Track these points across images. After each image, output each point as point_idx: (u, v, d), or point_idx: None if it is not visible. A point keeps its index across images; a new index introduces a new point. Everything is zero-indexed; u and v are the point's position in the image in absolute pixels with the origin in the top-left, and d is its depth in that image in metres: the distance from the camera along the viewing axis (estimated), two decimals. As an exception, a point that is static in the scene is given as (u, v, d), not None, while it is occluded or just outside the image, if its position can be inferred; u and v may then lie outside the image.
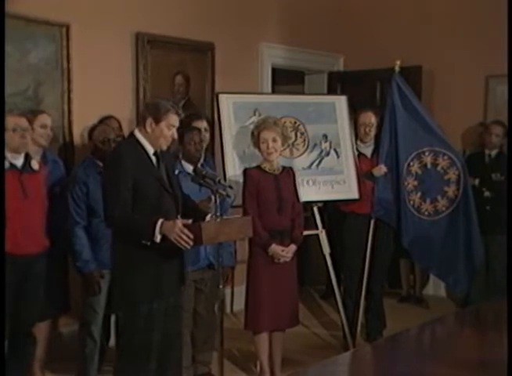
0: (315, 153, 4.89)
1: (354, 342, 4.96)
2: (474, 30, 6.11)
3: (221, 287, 3.76)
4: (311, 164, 4.86)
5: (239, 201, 4.15)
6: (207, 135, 4.61)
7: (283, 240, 4.14)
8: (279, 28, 6.18)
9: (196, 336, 4.31)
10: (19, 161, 3.58)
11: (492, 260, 5.44)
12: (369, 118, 4.95)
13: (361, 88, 6.28)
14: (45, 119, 4.09)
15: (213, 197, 3.54)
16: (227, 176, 4.49)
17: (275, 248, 4.09)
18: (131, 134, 3.46)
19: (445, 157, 5.04)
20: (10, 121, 3.53)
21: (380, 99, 6.30)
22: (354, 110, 5.12)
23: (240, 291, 4.87)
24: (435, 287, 6.41)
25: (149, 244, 3.27)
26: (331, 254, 4.91)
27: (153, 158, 3.43)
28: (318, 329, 5.46)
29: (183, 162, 4.18)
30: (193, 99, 5.50)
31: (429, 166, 5.04)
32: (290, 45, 6.26)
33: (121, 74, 5.00)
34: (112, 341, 4.11)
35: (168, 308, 3.46)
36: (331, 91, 6.64)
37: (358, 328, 5.04)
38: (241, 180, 4.20)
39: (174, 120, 3.40)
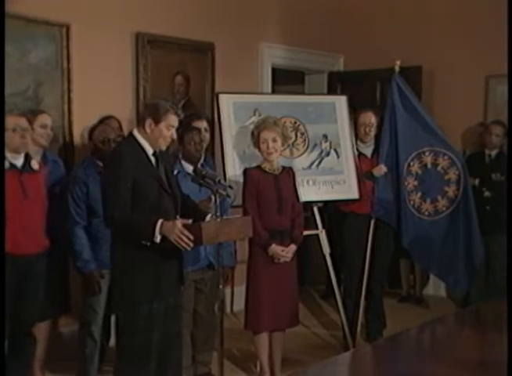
0: (315, 153, 4.89)
1: (354, 342, 4.96)
2: (474, 30, 6.11)
3: (221, 287, 3.76)
4: (312, 164, 4.86)
5: (239, 201, 4.15)
6: (207, 135, 4.61)
7: (283, 240, 4.14)
8: (279, 28, 6.18)
9: (196, 336, 4.31)
10: (19, 161, 3.58)
11: (492, 260, 5.44)
12: (369, 118, 4.95)
13: (361, 88, 6.28)
14: (45, 119, 4.09)
15: (213, 197, 3.54)
16: (227, 176, 4.49)
17: (275, 248, 4.09)
18: (130, 134, 3.46)
19: (446, 157, 5.04)
20: (10, 121, 3.52)
21: (380, 99, 6.30)
22: (354, 110, 5.12)
23: (240, 291, 4.87)
24: (435, 287, 6.41)
25: (148, 244, 3.28)
26: (331, 254, 4.91)
27: (152, 159, 3.43)
28: (318, 329, 5.46)
29: (183, 162, 4.18)
30: (193, 99, 5.50)
31: (429, 166, 5.04)
32: (290, 45, 6.25)
33: (121, 74, 5.00)
34: (112, 341, 4.10)
35: (168, 308, 3.46)
36: (331, 91, 6.64)
37: (358, 328, 5.04)
38: (241, 180, 4.20)
39: (173, 120, 3.41)
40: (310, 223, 4.92)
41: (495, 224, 5.28)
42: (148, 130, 3.37)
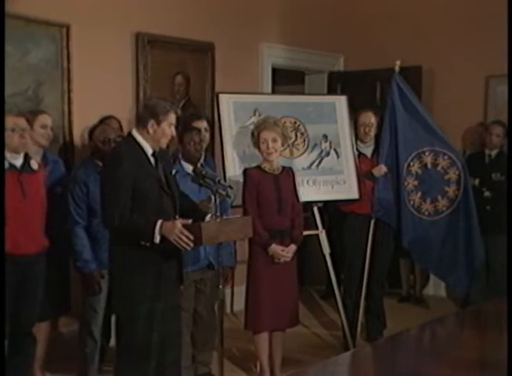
0: (315, 153, 4.89)
1: (354, 342, 4.96)
2: (474, 30, 6.11)
3: (221, 287, 3.76)
4: (312, 164, 4.86)
5: (239, 201, 4.14)
6: (207, 135, 4.61)
7: (283, 240, 4.14)
8: (279, 28, 6.18)
9: (196, 336, 4.31)
10: (18, 161, 3.57)
11: (492, 260, 5.43)
12: (369, 118, 4.95)
13: (361, 88, 6.28)
14: (45, 119, 4.09)
15: (213, 197, 3.54)
16: (227, 176, 4.49)
17: (275, 248, 4.09)
18: (129, 135, 3.46)
19: (446, 157, 5.04)
20: (9, 120, 3.51)
21: (380, 99, 6.29)
22: (354, 110, 5.12)
23: (240, 291, 4.86)
24: (435, 287, 6.41)
25: (148, 244, 3.27)
26: (331, 254, 4.91)
27: (152, 159, 3.43)
28: (318, 329, 5.46)
29: (183, 162, 4.17)
30: (193, 99, 5.50)
31: (429, 166, 5.03)
32: (290, 45, 6.26)
33: (121, 74, 5.00)
34: (112, 341, 4.10)
35: (167, 308, 3.46)
36: (331, 91, 6.64)
37: (359, 328, 5.04)
38: (241, 180, 4.20)
39: (173, 118, 3.44)
40: (310, 223, 4.91)
41: (495, 224, 5.28)
42: (151, 131, 3.38)
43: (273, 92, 6.28)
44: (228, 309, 5.79)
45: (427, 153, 5.03)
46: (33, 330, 3.81)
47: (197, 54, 5.50)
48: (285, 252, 4.11)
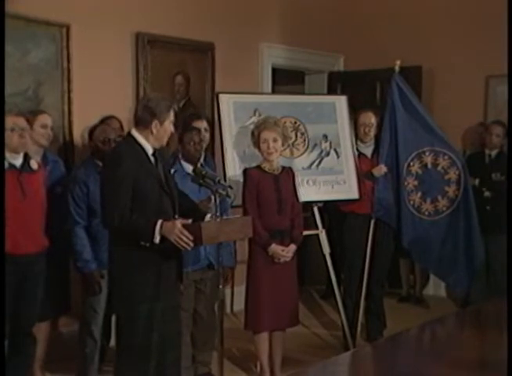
0: (315, 153, 4.89)
1: (354, 342, 4.96)
2: (474, 30, 6.12)
3: (221, 287, 3.76)
4: (312, 164, 4.86)
5: (239, 201, 4.14)
6: (207, 135, 4.61)
7: (283, 239, 4.14)
8: (279, 28, 6.18)
9: (196, 336, 4.31)
10: (18, 161, 3.57)
11: (492, 260, 5.43)
12: (369, 118, 4.95)
13: (361, 88, 6.28)
14: (45, 119, 4.09)
15: (213, 197, 3.54)
16: (227, 176, 4.49)
17: (275, 248, 4.09)
18: (129, 134, 3.46)
19: (446, 157, 5.04)
20: (8, 120, 3.51)
21: (380, 99, 6.29)
22: (354, 110, 5.12)
23: (240, 291, 4.86)
24: (435, 287, 6.41)
25: (148, 245, 3.27)
26: (331, 254, 4.91)
27: (152, 158, 3.43)
28: (318, 329, 5.46)
29: (183, 162, 4.17)
30: (193, 99, 5.50)
31: (429, 166, 5.03)
32: (290, 45, 6.26)
33: (121, 74, 5.00)
34: (112, 341, 4.10)
35: (167, 308, 3.46)
36: (331, 91, 6.64)
37: (359, 328, 5.04)
38: (241, 180, 4.20)
39: (173, 116, 3.46)
40: (310, 223, 4.91)
41: (495, 224, 5.28)
42: (154, 130, 3.39)
43: (273, 92, 6.28)
44: (228, 309, 5.79)
45: (427, 153, 5.03)
46: (33, 330, 3.81)
47: (197, 54, 5.50)
48: (285, 252, 4.11)
